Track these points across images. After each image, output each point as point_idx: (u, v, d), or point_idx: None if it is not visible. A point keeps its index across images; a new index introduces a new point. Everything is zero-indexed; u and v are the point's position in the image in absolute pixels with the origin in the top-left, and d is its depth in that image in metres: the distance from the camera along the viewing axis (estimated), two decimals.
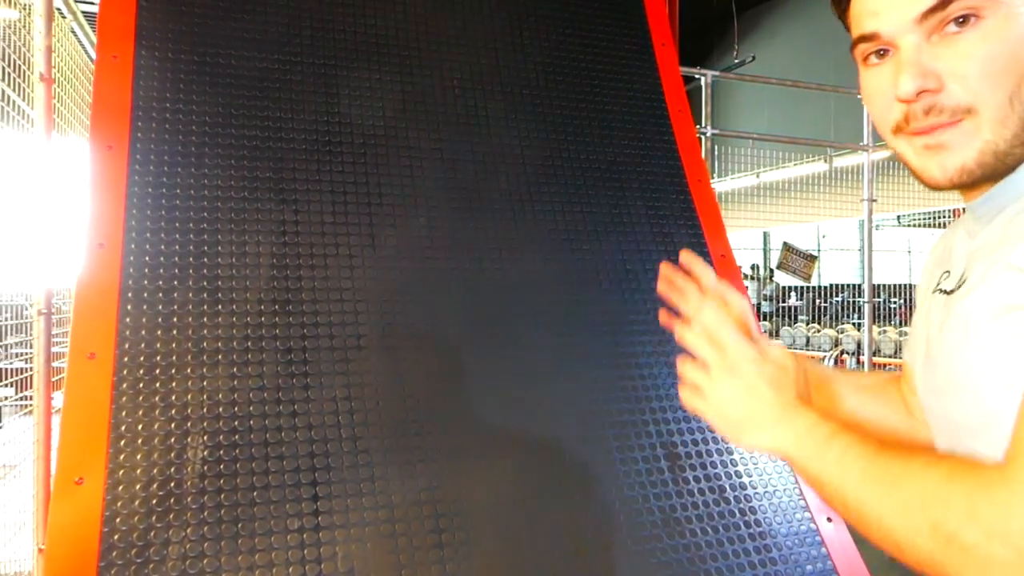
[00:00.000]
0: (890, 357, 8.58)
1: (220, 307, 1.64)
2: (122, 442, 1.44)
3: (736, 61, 11.57)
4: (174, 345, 1.57)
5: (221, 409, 1.53)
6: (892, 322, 10.42)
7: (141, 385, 1.51)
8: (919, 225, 12.31)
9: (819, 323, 9.96)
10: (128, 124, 1.75)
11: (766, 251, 13.97)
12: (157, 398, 1.50)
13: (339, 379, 1.64)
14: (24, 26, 2.31)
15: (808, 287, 9.09)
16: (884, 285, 10.82)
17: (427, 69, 2.11)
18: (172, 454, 1.46)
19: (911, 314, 0.86)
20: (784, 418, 0.75)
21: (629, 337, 1.95)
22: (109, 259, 1.61)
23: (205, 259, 1.69)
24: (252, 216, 1.77)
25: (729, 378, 0.79)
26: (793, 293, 10.81)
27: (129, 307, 1.57)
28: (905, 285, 10.90)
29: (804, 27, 13.16)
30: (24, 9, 2.33)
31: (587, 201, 2.12)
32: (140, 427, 1.47)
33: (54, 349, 2.08)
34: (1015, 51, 0.64)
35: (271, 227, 1.77)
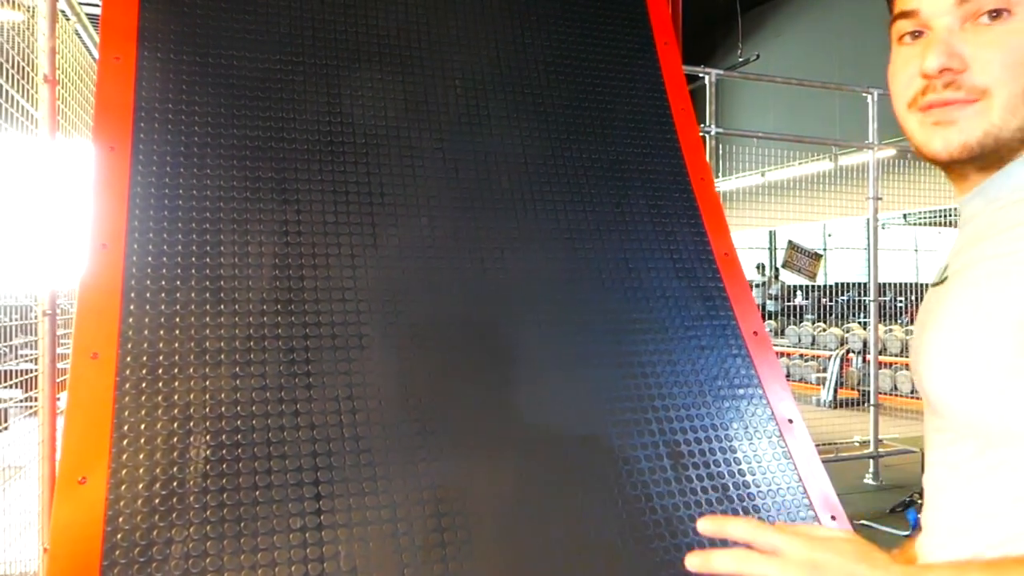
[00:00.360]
0: (896, 356, 8.55)
1: (222, 307, 1.65)
2: (125, 441, 1.44)
3: (740, 60, 11.55)
4: (176, 345, 1.58)
5: (223, 408, 1.54)
6: (899, 321, 10.38)
7: (144, 385, 1.51)
8: (925, 223, 12.26)
9: (825, 322, 9.92)
10: (131, 125, 1.76)
11: (772, 250, 13.93)
12: (160, 397, 1.51)
13: (341, 378, 1.64)
14: (28, 28, 2.32)
15: (814, 286, 9.06)
16: (890, 284, 10.78)
17: (429, 68, 2.11)
18: (175, 453, 1.46)
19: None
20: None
21: (631, 336, 1.95)
22: (112, 259, 1.61)
23: (207, 259, 1.69)
24: (254, 216, 1.77)
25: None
26: (799, 292, 10.78)
27: (132, 307, 1.58)
28: (911, 284, 10.86)
29: (808, 25, 13.13)
30: (29, 11, 2.34)
31: (589, 200, 2.11)
32: (143, 426, 1.47)
33: (59, 350, 2.09)
34: None
35: (273, 227, 1.77)
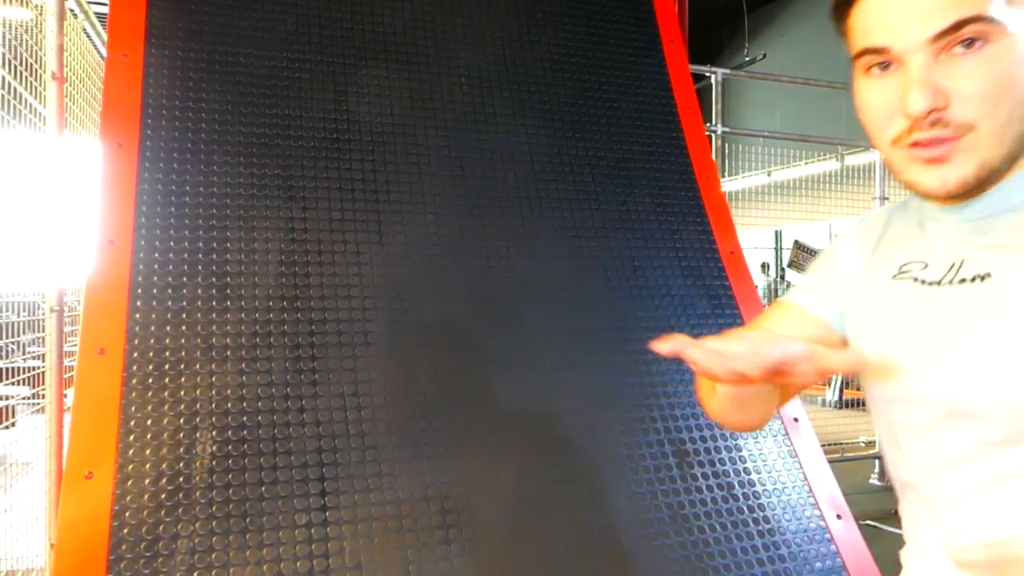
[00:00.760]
0: None
1: (229, 303, 1.65)
2: (131, 437, 1.45)
3: (746, 59, 11.52)
4: (183, 341, 1.58)
5: (229, 404, 1.54)
6: None
7: (150, 380, 1.52)
8: None
9: None
10: (138, 122, 1.76)
11: (778, 250, 13.89)
12: (166, 393, 1.51)
13: (347, 375, 1.64)
14: (37, 26, 2.33)
15: None
16: None
17: (435, 66, 2.12)
18: (181, 449, 1.47)
19: None
20: None
21: (637, 334, 1.95)
22: (119, 256, 1.62)
23: (214, 256, 1.69)
24: (260, 213, 1.77)
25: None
26: None
27: (139, 303, 1.59)
28: None
29: (815, 24, 13.08)
30: (37, 9, 2.35)
31: (595, 198, 2.11)
32: (149, 422, 1.47)
33: (66, 347, 2.09)
34: (1015, 75, 0.69)
35: (279, 224, 1.78)
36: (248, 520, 1.43)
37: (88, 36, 2.92)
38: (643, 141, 2.27)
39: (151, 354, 1.55)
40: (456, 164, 2.01)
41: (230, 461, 1.48)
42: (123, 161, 1.72)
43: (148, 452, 1.45)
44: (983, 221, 0.76)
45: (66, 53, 2.12)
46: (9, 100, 2.20)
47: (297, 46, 1.99)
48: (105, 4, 2.02)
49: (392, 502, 1.52)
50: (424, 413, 1.65)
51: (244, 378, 1.58)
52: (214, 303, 1.64)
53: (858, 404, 7.68)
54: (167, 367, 1.54)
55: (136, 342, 1.55)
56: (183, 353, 1.57)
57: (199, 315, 1.62)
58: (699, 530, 1.69)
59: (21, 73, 2.26)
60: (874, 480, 5.31)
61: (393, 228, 1.86)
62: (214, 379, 1.56)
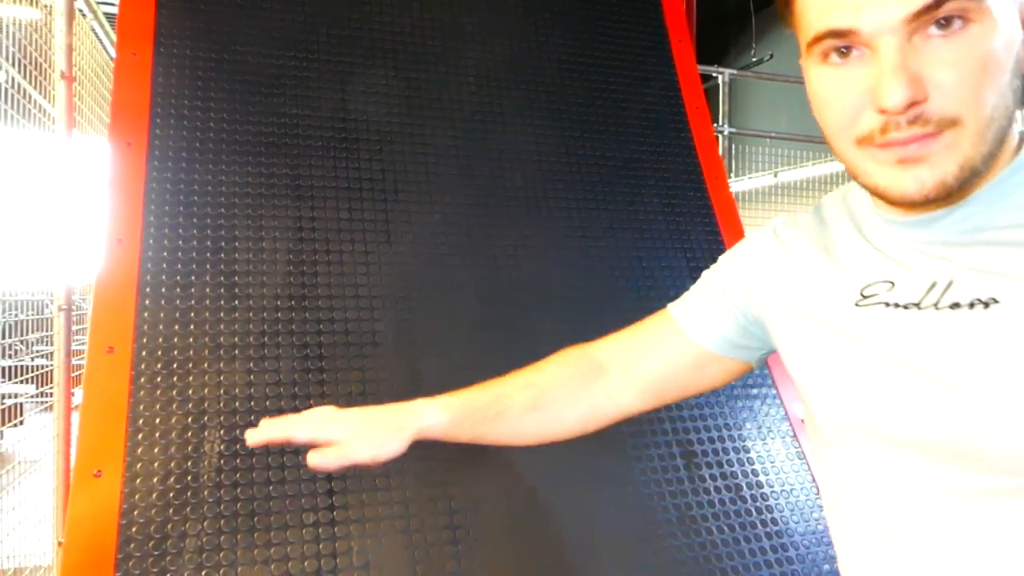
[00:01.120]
0: None
1: (237, 303, 1.65)
2: (140, 435, 1.45)
3: (754, 60, 11.50)
4: (191, 340, 1.58)
5: (237, 404, 1.54)
6: None
7: (159, 379, 1.52)
8: None
9: None
10: (147, 121, 1.77)
11: None
12: (174, 392, 1.52)
13: (355, 375, 1.64)
14: (46, 25, 2.34)
15: None
16: None
17: (443, 66, 2.12)
18: (189, 448, 1.47)
19: None
20: None
21: None
22: (127, 255, 1.62)
23: (222, 255, 1.70)
24: (269, 212, 1.77)
25: None
26: None
27: (147, 302, 1.59)
28: None
29: None
30: (46, 9, 2.35)
31: (603, 198, 2.11)
32: (157, 420, 1.48)
33: (74, 345, 2.10)
34: (1000, 60, 0.59)
35: (288, 223, 1.78)
36: (256, 519, 1.43)
37: (97, 36, 2.93)
38: (651, 141, 2.26)
39: (160, 353, 1.55)
40: (464, 164, 2.01)
41: (238, 460, 1.48)
42: (132, 160, 1.72)
43: (156, 451, 1.45)
44: (969, 235, 0.64)
45: (75, 53, 2.12)
46: (19, 99, 2.21)
47: (305, 45, 1.99)
48: (114, 4, 2.02)
49: (399, 502, 1.52)
50: None
51: (252, 377, 1.58)
52: (222, 302, 1.65)
53: None
54: (176, 366, 1.54)
55: (144, 341, 1.55)
56: (191, 352, 1.57)
57: (207, 314, 1.62)
58: (707, 531, 1.68)
59: (31, 72, 2.27)
60: None
61: (401, 228, 1.86)
62: (222, 378, 1.56)
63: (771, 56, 11.41)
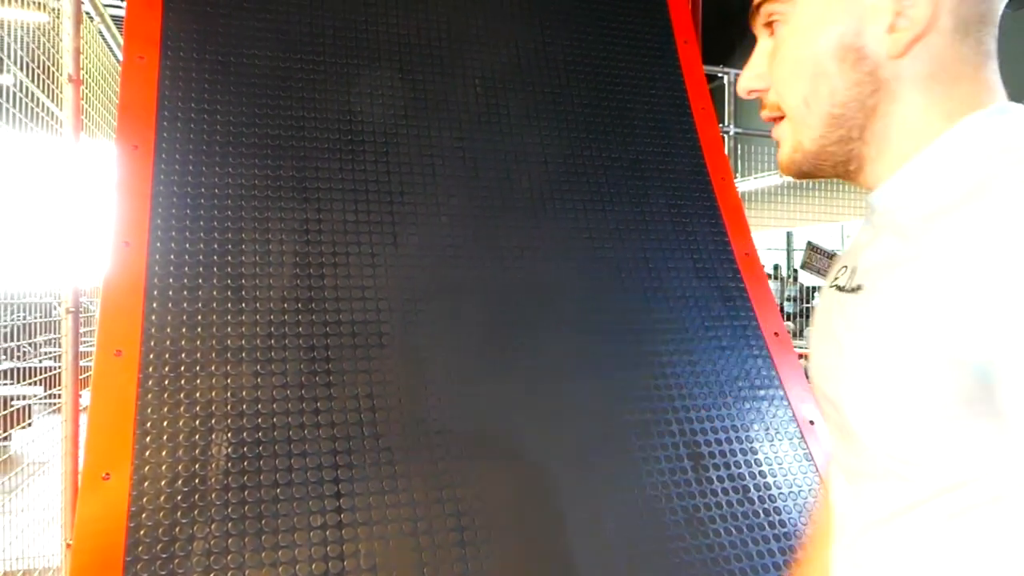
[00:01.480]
0: None
1: (244, 305, 1.66)
2: (148, 438, 1.45)
3: None
4: (199, 343, 1.59)
5: (245, 406, 1.55)
6: None
7: (166, 382, 1.52)
8: None
9: None
10: (154, 124, 1.77)
11: (789, 251, 13.83)
12: (182, 395, 1.52)
13: (361, 377, 1.65)
14: (54, 29, 2.35)
15: None
16: None
17: (449, 68, 2.12)
18: (197, 450, 1.47)
19: None
20: None
21: (651, 336, 1.94)
22: (135, 257, 1.63)
23: (229, 257, 1.70)
24: (275, 215, 1.78)
25: None
26: (817, 293, 10.69)
27: (155, 305, 1.59)
28: None
29: None
30: (54, 12, 2.36)
31: (609, 199, 2.11)
32: (165, 423, 1.48)
33: (81, 348, 2.11)
34: (802, 56, 0.66)
35: (294, 226, 1.78)
36: (264, 521, 1.43)
37: (104, 39, 2.94)
38: (657, 142, 2.26)
39: (167, 355, 1.55)
40: (470, 166, 2.01)
41: (246, 463, 1.48)
42: (139, 163, 1.72)
43: (164, 453, 1.45)
44: (879, 221, 0.67)
45: (82, 56, 2.13)
46: (27, 103, 2.22)
47: (311, 48, 1.99)
48: (121, 7, 2.03)
49: (407, 504, 1.52)
50: (439, 415, 1.65)
51: (259, 380, 1.58)
52: (229, 305, 1.65)
53: None
54: (183, 368, 1.55)
55: (152, 343, 1.55)
56: (199, 355, 1.57)
57: (214, 317, 1.63)
58: (714, 533, 1.68)
59: (38, 76, 2.28)
60: None
61: (407, 230, 1.86)
62: (229, 381, 1.57)
63: None
